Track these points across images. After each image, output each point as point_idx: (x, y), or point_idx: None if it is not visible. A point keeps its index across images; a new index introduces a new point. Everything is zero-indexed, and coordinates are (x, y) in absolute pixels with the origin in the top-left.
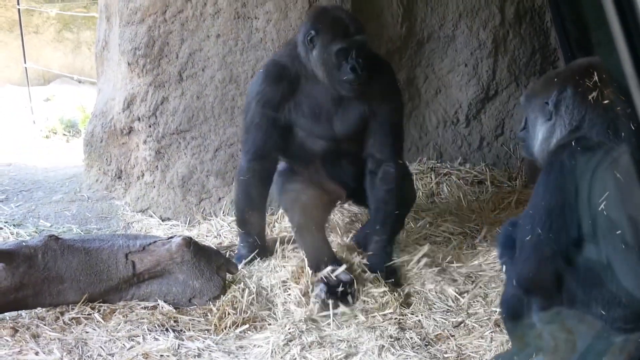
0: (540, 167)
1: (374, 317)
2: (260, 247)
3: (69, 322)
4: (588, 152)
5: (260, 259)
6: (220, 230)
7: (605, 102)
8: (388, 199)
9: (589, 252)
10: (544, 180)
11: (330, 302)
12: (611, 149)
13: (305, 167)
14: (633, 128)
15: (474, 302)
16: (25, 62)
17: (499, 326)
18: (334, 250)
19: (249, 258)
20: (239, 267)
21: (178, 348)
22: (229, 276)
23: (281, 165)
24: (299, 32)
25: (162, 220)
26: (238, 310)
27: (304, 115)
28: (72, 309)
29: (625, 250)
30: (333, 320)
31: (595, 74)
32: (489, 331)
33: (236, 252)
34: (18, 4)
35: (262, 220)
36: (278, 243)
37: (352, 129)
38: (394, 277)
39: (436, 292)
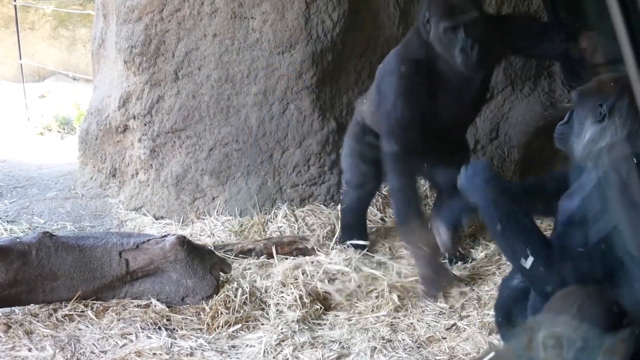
0: (577, 163)
1: (366, 318)
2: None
3: (62, 319)
4: None
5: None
6: (214, 229)
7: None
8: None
9: None
10: (615, 189)
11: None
12: None
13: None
14: None
15: (466, 304)
16: (20, 59)
17: (491, 329)
18: None
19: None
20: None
21: (170, 346)
22: (222, 275)
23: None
24: (419, 16)
25: (156, 219)
26: (231, 309)
27: (438, 97)
28: (65, 306)
29: None
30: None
31: None
32: (481, 334)
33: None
34: (14, 0)
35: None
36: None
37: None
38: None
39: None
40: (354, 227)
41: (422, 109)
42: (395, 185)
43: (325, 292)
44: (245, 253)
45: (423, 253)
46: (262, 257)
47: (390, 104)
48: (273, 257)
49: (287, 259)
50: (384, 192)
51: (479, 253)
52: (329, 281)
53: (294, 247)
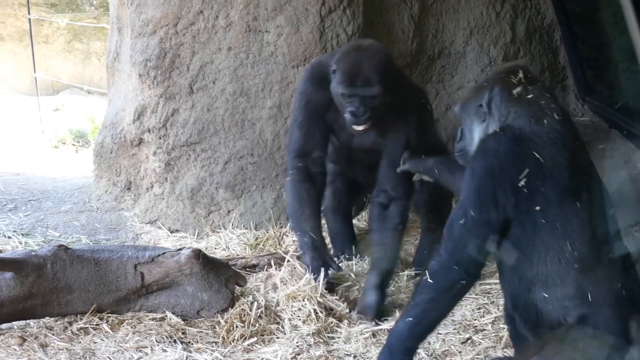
0: None
1: (381, 331)
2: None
3: (77, 332)
4: (512, 138)
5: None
6: (229, 242)
7: (529, 96)
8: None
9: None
10: (472, 165)
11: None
12: (533, 136)
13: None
14: (556, 118)
15: (483, 318)
16: (34, 72)
17: (506, 343)
18: None
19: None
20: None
21: None
22: (237, 289)
23: None
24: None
25: (171, 232)
26: (246, 323)
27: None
28: (81, 319)
29: (546, 227)
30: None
31: (520, 72)
32: (496, 348)
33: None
34: (29, 14)
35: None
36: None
37: (369, 152)
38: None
39: None
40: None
41: (322, 126)
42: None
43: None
44: (250, 268)
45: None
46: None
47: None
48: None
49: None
50: None
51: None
52: (331, 293)
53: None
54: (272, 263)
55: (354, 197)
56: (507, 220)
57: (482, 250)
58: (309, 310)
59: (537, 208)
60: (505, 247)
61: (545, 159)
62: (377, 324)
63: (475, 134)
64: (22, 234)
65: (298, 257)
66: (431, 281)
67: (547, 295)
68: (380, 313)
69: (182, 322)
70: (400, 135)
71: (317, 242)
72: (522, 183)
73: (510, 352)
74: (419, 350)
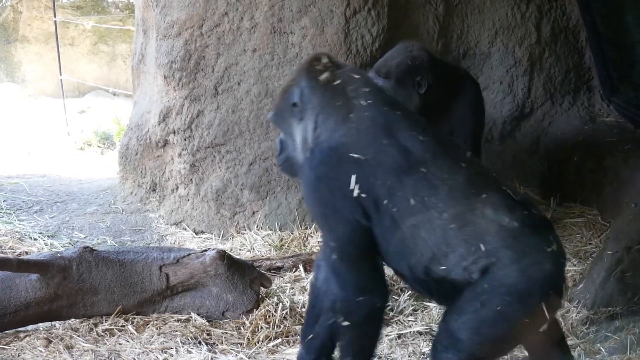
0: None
1: (406, 333)
2: None
3: (103, 334)
4: (327, 145)
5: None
6: (254, 244)
7: (337, 82)
8: None
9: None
10: (305, 192)
11: None
12: (347, 129)
13: None
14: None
15: None
16: (60, 74)
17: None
18: None
19: None
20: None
21: None
22: (262, 290)
23: None
24: None
25: (196, 233)
26: (271, 324)
27: None
28: (106, 320)
29: (403, 211)
30: None
31: (325, 58)
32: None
33: None
34: (54, 16)
35: None
36: None
37: None
38: None
39: None
40: None
41: None
42: None
43: None
44: (275, 270)
45: None
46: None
47: None
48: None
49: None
50: None
51: None
52: None
53: None
54: (297, 265)
55: None
56: (369, 226)
57: (369, 266)
58: None
59: (385, 202)
60: (383, 249)
61: (367, 152)
62: None
63: (297, 136)
64: (48, 236)
65: None
66: (347, 323)
67: (445, 267)
68: None
69: (207, 324)
70: (446, 125)
71: None
72: (353, 187)
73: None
74: None
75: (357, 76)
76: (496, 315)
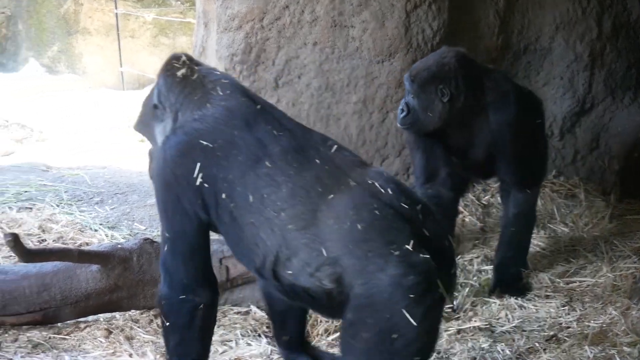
0: None
1: (465, 328)
2: None
3: None
4: (175, 137)
5: None
6: None
7: (195, 76)
8: (515, 223)
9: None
10: (154, 168)
11: None
12: (199, 122)
13: None
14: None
15: (568, 315)
16: (121, 66)
17: (591, 340)
18: None
19: None
20: None
21: (270, 354)
22: None
23: None
24: None
25: None
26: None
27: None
28: None
29: (243, 209)
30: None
31: (183, 56)
32: (581, 345)
33: None
34: (115, 9)
35: None
36: None
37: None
38: (515, 292)
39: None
40: None
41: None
42: None
43: None
44: None
45: None
46: None
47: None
48: None
49: None
50: (483, 202)
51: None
52: None
53: None
54: None
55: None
56: (209, 221)
57: (200, 264)
58: None
59: (224, 196)
60: (231, 249)
61: (217, 140)
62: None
63: (159, 139)
64: (109, 227)
65: None
66: (169, 323)
67: (291, 272)
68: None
69: (266, 316)
70: (482, 138)
71: None
72: (199, 181)
73: (596, 350)
74: (502, 347)
75: (216, 71)
76: (368, 343)
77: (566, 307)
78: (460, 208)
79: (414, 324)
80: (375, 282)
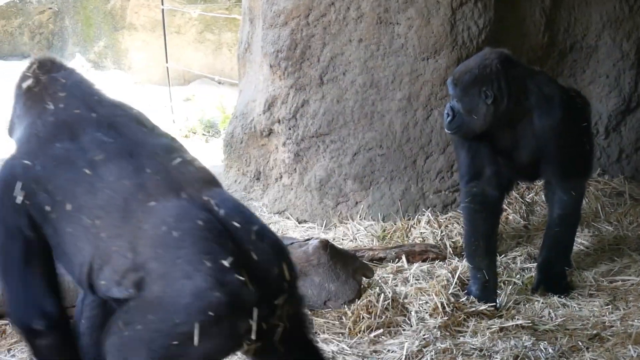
0: None
1: (508, 326)
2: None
3: None
4: (12, 157)
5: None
6: (356, 234)
7: (37, 88)
8: (559, 223)
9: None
10: None
11: None
12: (29, 138)
13: None
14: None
15: (612, 314)
16: (167, 62)
17: (635, 339)
18: None
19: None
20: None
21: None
22: (364, 280)
23: None
24: None
25: (299, 223)
26: (373, 314)
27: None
28: None
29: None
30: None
31: (34, 65)
32: (624, 344)
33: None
34: (162, 4)
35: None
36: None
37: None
38: (559, 290)
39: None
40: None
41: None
42: None
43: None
44: (377, 260)
45: None
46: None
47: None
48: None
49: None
50: (526, 199)
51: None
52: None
53: (425, 257)
54: (400, 256)
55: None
56: (36, 237)
57: (37, 286)
58: (437, 304)
59: (47, 208)
60: (57, 260)
61: (39, 157)
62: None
63: None
64: None
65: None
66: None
67: (104, 282)
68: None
69: (309, 312)
70: (527, 142)
71: (488, 282)
72: (19, 199)
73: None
74: (545, 346)
75: (63, 80)
76: (137, 336)
77: (610, 306)
78: (504, 206)
79: (195, 343)
80: (177, 287)
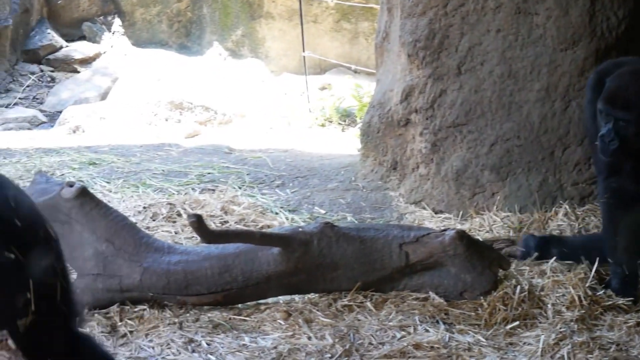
0: None
1: None
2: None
3: (342, 309)
4: None
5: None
6: (492, 225)
7: None
8: None
9: None
10: None
11: None
12: None
13: None
14: None
15: None
16: (303, 51)
17: None
18: None
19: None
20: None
21: (448, 341)
22: (500, 272)
23: None
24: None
25: (435, 213)
26: (509, 306)
27: None
28: (345, 296)
29: None
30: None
31: None
32: None
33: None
34: None
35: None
36: None
37: None
38: None
39: None
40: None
41: None
42: None
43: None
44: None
45: None
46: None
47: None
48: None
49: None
50: None
51: None
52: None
53: None
54: None
55: None
56: None
57: None
58: (574, 297)
59: None
60: None
61: None
62: None
63: None
64: (289, 210)
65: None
66: None
67: None
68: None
69: (445, 303)
70: None
71: (628, 277)
72: None
73: None
74: None
75: None
76: None
77: None
78: None
79: None
80: None
